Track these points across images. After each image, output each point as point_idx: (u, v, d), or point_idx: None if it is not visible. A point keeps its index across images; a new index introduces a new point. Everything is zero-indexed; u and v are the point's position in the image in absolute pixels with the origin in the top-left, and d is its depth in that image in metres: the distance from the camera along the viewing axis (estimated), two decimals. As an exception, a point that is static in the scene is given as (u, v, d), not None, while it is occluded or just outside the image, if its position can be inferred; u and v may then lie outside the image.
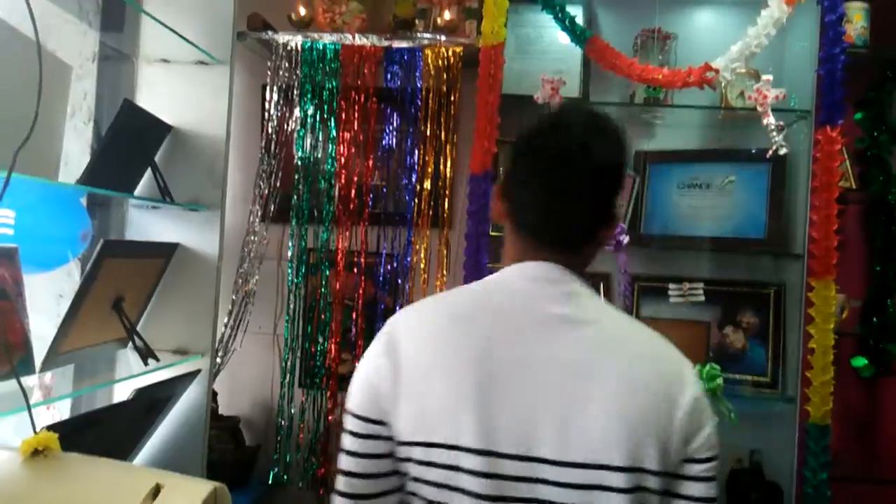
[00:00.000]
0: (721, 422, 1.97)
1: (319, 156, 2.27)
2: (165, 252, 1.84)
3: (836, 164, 1.98)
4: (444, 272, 2.27)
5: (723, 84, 2.11)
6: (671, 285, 2.22)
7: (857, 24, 2.12)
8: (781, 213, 2.18)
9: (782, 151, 1.99)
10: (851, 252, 2.25)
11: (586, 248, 0.99)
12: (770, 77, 2.03)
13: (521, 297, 0.94)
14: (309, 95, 2.25)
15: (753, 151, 2.20)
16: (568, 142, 0.94)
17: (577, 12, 2.24)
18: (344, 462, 0.93)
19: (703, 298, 2.20)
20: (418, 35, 2.19)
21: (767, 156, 2.00)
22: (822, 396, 1.92)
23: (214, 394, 2.14)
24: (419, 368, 0.91)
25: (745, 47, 2.00)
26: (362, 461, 0.92)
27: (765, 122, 2.01)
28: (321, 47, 2.23)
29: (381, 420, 0.91)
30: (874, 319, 2.23)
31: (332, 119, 2.26)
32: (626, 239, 2.13)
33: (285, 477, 2.23)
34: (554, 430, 0.87)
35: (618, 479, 0.86)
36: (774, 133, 2.00)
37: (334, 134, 2.27)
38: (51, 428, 1.24)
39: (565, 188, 0.94)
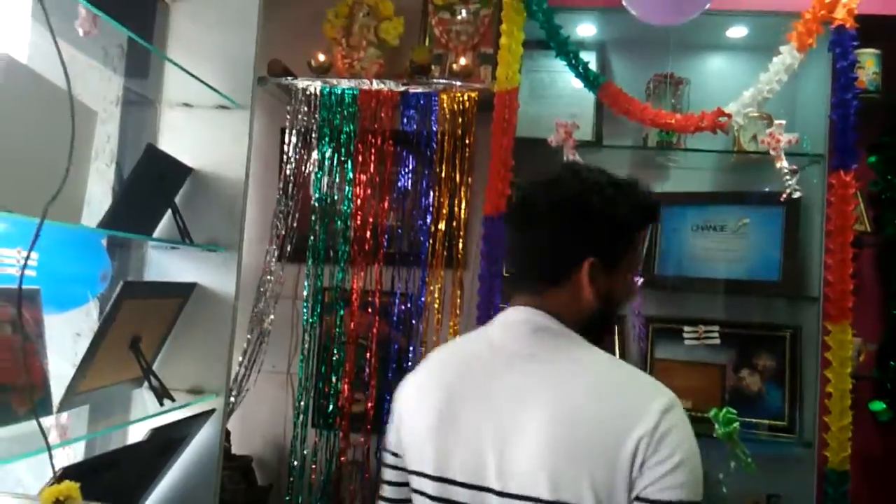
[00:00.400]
0: (738, 467, 1.97)
1: (336, 197, 2.30)
2: (183, 292, 1.87)
3: (850, 207, 1.98)
4: (458, 312, 2.27)
5: (735, 128, 2.13)
6: (686, 327, 2.21)
7: (869, 69, 2.15)
8: (796, 255, 2.18)
9: (796, 195, 2.00)
10: (867, 295, 2.24)
11: (556, 289, 1.03)
12: (783, 122, 2.05)
13: (492, 340, 1.05)
14: (327, 139, 2.29)
15: (767, 193, 2.21)
16: (534, 189, 1.07)
17: (590, 58, 2.28)
18: (381, 489, 1.12)
19: (718, 341, 2.19)
20: (434, 80, 2.24)
21: (781, 199, 2.01)
22: (840, 441, 1.89)
23: (227, 433, 2.14)
24: (409, 407, 1.06)
25: (757, 93, 2.02)
26: (389, 488, 1.10)
27: (778, 165, 2.02)
28: (339, 92, 2.28)
29: (397, 453, 1.08)
30: (891, 363, 2.21)
31: (349, 161, 2.30)
32: (639, 280, 2.13)
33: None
34: (495, 460, 0.95)
35: None
36: (788, 176, 2.01)
37: (351, 176, 2.30)
38: (67, 470, 1.25)
39: (527, 230, 1.06)
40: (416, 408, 1.05)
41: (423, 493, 1.01)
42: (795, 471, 2.09)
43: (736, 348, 2.24)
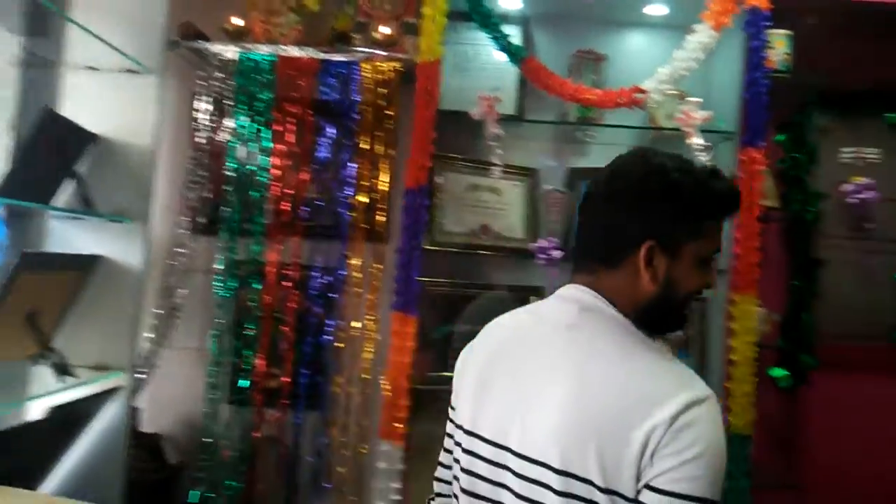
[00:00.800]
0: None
1: (252, 167, 2.23)
2: (85, 265, 1.78)
3: (758, 183, 2.06)
4: (378, 286, 2.25)
5: (652, 105, 2.17)
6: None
7: (780, 50, 2.21)
8: (707, 230, 2.25)
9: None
10: (773, 268, 2.34)
11: (612, 270, 1.04)
12: (697, 99, 2.10)
13: (541, 313, 1.10)
14: (243, 106, 2.21)
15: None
16: (602, 172, 1.08)
17: (513, 32, 2.28)
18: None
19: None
20: (356, 49, 2.19)
21: (693, 175, 2.06)
22: (743, 407, 1.98)
23: (136, 410, 2.07)
24: (460, 368, 1.16)
25: (673, 70, 2.06)
26: (446, 437, 1.19)
27: (690, 142, 2.08)
28: (256, 58, 2.20)
29: (454, 406, 1.16)
30: (793, 332, 2.32)
31: (266, 130, 2.23)
32: (557, 254, 2.16)
33: (210, 496, 2.17)
34: (520, 424, 1.00)
35: (555, 481, 0.93)
36: (700, 153, 2.07)
37: (268, 145, 2.23)
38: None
39: (586, 218, 1.08)
40: (464, 369, 1.14)
41: (459, 444, 1.10)
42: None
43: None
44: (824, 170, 2.36)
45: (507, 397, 1.03)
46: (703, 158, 2.06)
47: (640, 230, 1.02)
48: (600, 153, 2.41)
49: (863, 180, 2.30)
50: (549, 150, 2.43)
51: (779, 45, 2.20)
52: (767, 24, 2.09)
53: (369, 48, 2.20)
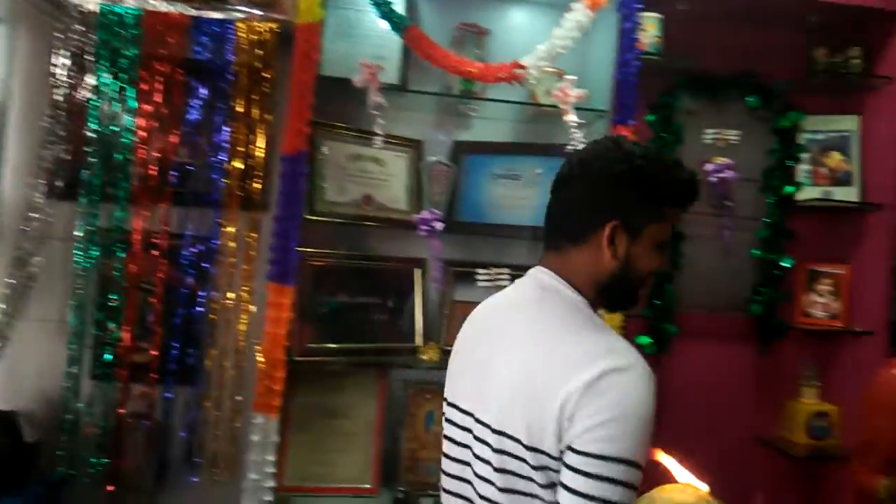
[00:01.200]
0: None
1: (116, 128, 2.09)
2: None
3: (627, 161, 2.14)
4: (254, 255, 2.19)
5: (532, 81, 2.21)
6: (479, 270, 2.31)
7: (650, 32, 2.31)
8: (581, 204, 2.33)
9: (580, 147, 2.13)
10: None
11: (578, 247, 1.13)
12: (573, 77, 2.16)
13: (508, 293, 1.24)
14: (105, 63, 2.06)
15: (558, 144, 2.32)
16: (573, 154, 1.20)
17: (397, 0, 2.25)
18: None
19: (509, 282, 2.31)
20: (230, 7, 2.09)
21: (567, 151, 2.13)
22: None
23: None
24: (454, 349, 1.28)
25: (551, 48, 2.11)
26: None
27: (566, 119, 2.14)
28: (119, 11, 2.06)
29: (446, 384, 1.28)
30: (657, 302, 2.47)
31: (132, 89, 2.09)
32: (439, 226, 2.18)
33: (71, 473, 2.06)
34: (479, 392, 1.13)
35: (493, 439, 1.07)
36: (575, 130, 2.14)
37: (133, 105, 2.10)
38: None
39: (558, 197, 1.19)
40: (455, 347, 1.27)
41: (443, 415, 1.23)
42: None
43: (527, 291, 2.37)
44: (689, 149, 2.49)
45: (476, 370, 1.15)
46: (577, 135, 2.14)
47: (605, 210, 1.11)
48: (483, 127, 2.45)
49: (724, 160, 2.45)
50: (433, 122, 2.43)
51: (650, 28, 2.30)
52: (640, 6, 2.17)
53: (246, 7, 2.10)
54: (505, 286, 2.34)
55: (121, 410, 2.09)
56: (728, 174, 2.45)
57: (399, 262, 2.38)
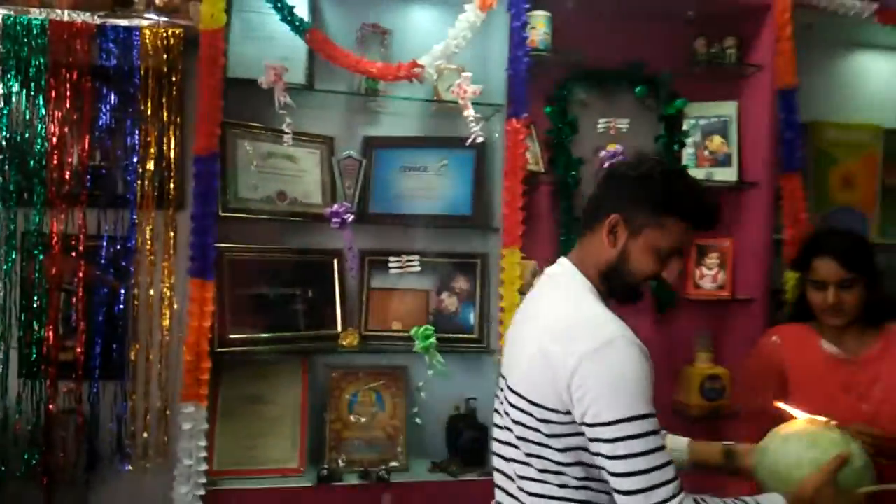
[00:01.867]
0: (436, 374, 2.26)
1: (28, 135, 2.15)
2: None
3: (521, 150, 2.32)
4: (172, 253, 2.29)
5: (434, 78, 2.35)
6: (391, 258, 2.45)
7: (540, 30, 2.48)
8: (483, 192, 2.50)
9: (479, 140, 2.29)
10: (543, 225, 2.64)
11: (589, 234, 1.36)
12: (468, 74, 2.31)
13: (542, 277, 1.44)
14: (13, 72, 2.12)
15: (460, 137, 2.47)
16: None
17: (300, 2, 2.36)
18: None
19: (419, 269, 2.47)
20: (136, 15, 2.17)
21: (467, 143, 2.29)
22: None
23: None
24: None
25: (446, 47, 2.26)
26: None
27: (465, 113, 2.29)
28: (25, 21, 2.11)
29: None
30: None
31: (41, 97, 2.15)
32: (350, 217, 2.31)
33: (2, 470, 2.13)
34: (510, 363, 1.38)
35: (511, 397, 1.31)
36: (473, 123, 2.29)
37: (43, 112, 2.16)
38: None
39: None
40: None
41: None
42: (485, 375, 2.46)
43: (438, 274, 2.53)
44: (584, 138, 2.68)
45: (511, 345, 1.40)
46: (476, 128, 2.29)
47: (611, 202, 1.31)
48: (391, 122, 2.58)
49: (616, 147, 2.64)
50: (342, 119, 2.55)
51: (540, 26, 2.47)
52: (528, 6, 2.34)
53: (151, 13, 2.19)
54: (418, 272, 2.52)
55: (50, 407, 2.17)
56: (620, 160, 2.64)
57: (316, 253, 2.50)
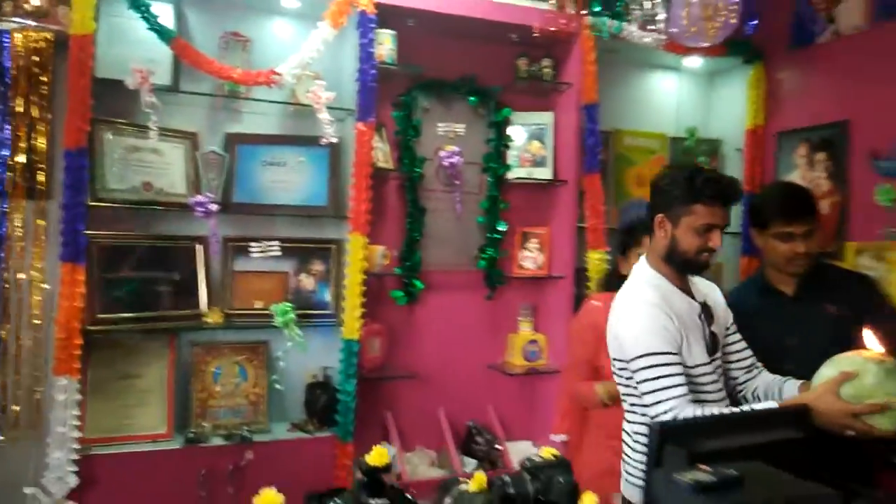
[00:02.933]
0: (294, 347, 2.58)
1: None
2: None
3: (367, 149, 2.69)
4: (43, 241, 2.46)
5: (292, 83, 2.66)
6: (252, 244, 2.75)
7: (387, 45, 2.84)
8: (337, 186, 2.85)
9: (332, 140, 2.64)
10: (392, 215, 3.04)
11: (651, 234, 1.88)
12: (323, 82, 2.65)
13: None
14: None
15: (316, 137, 2.80)
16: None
17: (166, 10, 2.58)
18: None
19: (279, 253, 2.78)
20: (5, 18, 2.31)
21: (322, 142, 2.63)
22: (352, 319, 2.64)
23: None
24: None
25: (302, 57, 2.58)
26: None
27: (319, 116, 2.63)
28: None
29: None
30: (407, 263, 3.06)
31: None
32: (214, 207, 2.57)
33: None
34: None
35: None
36: (327, 125, 2.63)
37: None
38: None
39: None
40: None
41: None
42: (339, 347, 2.81)
43: (297, 258, 2.86)
44: (427, 140, 3.09)
45: None
46: (330, 130, 2.63)
47: (655, 208, 1.82)
48: (252, 121, 2.85)
49: (453, 148, 3.07)
50: (206, 117, 2.79)
51: (386, 42, 2.84)
52: (373, 25, 2.70)
53: (21, 17, 2.33)
54: (278, 256, 2.82)
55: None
56: (457, 159, 3.07)
57: (182, 239, 2.74)
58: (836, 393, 1.56)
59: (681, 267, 1.84)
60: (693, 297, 1.88)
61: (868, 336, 1.62)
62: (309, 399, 2.82)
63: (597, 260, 3.03)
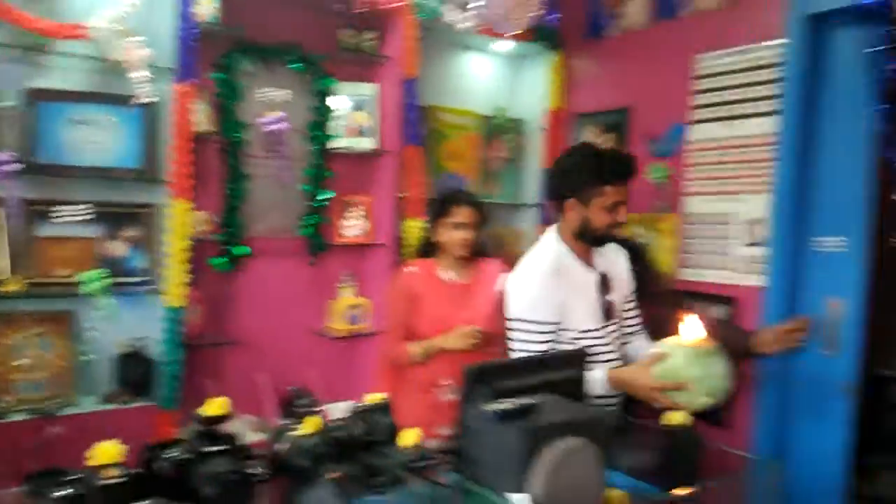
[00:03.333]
0: (105, 314, 2.48)
1: None
2: None
3: (187, 111, 2.63)
4: None
5: (104, 39, 2.52)
6: (59, 208, 2.59)
7: (210, 4, 2.77)
8: (154, 148, 2.75)
9: (147, 99, 2.55)
10: (212, 179, 2.99)
11: (561, 213, 2.10)
12: (137, 38, 2.54)
13: None
14: None
15: (131, 95, 2.67)
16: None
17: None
18: None
19: (89, 217, 2.64)
20: None
21: (134, 102, 2.53)
22: (177, 286, 2.61)
23: None
24: None
25: (114, 11, 2.46)
26: None
27: (132, 74, 2.52)
28: None
29: None
30: (229, 230, 3.04)
31: None
32: (13, 167, 2.39)
33: None
34: None
35: None
36: (142, 84, 2.53)
37: None
38: None
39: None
40: None
41: None
42: (155, 315, 2.74)
43: (108, 223, 2.73)
44: (250, 104, 3.07)
45: None
46: (146, 89, 2.54)
47: (564, 191, 2.03)
48: (59, 76, 2.65)
49: (277, 114, 3.08)
50: (3, 71, 2.55)
51: (208, 2, 2.77)
52: (198, -17, 2.63)
53: None
54: (83, 222, 2.68)
55: None
56: (281, 125, 3.09)
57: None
58: (648, 370, 1.85)
59: (592, 242, 2.08)
60: (594, 269, 2.10)
61: (687, 322, 1.88)
62: (122, 370, 2.73)
63: (414, 228, 3.21)
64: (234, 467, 1.26)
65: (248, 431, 2.99)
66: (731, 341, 2.02)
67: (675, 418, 1.73)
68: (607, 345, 2.12)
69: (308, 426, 1.45)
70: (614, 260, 2.20)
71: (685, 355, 1.80)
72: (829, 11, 2.49)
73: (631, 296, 2.27)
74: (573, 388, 1.72)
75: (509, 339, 2.05)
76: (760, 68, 2.71)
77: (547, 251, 2.08)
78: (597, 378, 1.96)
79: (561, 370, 1.76)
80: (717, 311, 2.77)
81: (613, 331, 2.16)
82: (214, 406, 1.37)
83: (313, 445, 1.41)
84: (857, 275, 2.50)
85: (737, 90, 2.79)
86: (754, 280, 2.69)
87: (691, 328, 1.86)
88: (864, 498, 2.95)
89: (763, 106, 2.69)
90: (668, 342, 1.88)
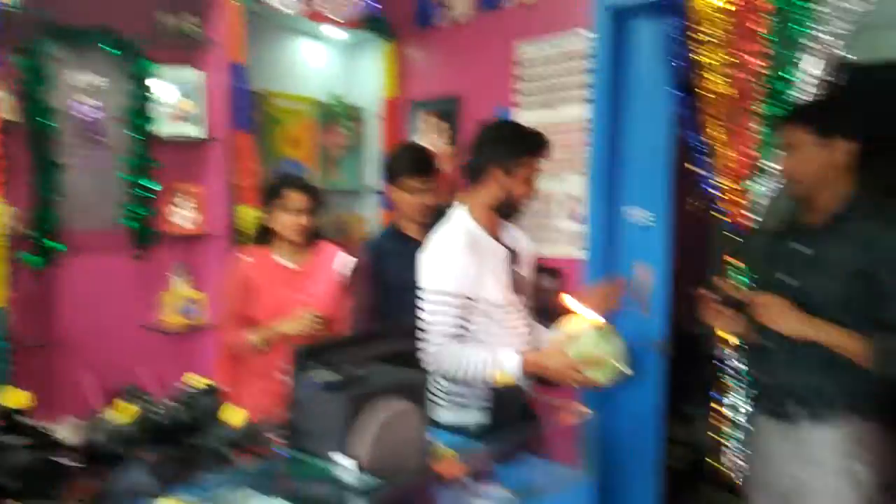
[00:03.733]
0: None
1: None
2: None
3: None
4: None
5: None
6: None
7: (7, -14, 2.55)
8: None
9: None
10: (20, 171, 2.76)
11: (478, 186, 2.11)
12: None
13: None
14: None
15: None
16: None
17: None
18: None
19: None
20: None
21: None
22: (-6, 285, 2.39)
23: None
24: None
25: None
26: None
27: None
28: None
29: None
30: (43, 225, 2.82)
31: None
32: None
33: None
34: None
35: None
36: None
37: None
38: None
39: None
40: None
41: None
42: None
43: None
44: (61, 91, 2.85)
45: None
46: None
47: (491, 161, 2.04)
48: None
49: (91, 101, 2.90)
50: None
51: (1, -19, 2.54)
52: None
53: None
54: None
55: None
56: (94, 112, 2.90)
57: None
58: (563, 351, 1.88)
59: (508, 212, 2.10)
60: (504, 244, 2.12)
61: (571, 304, 1.93)
62: None
63: (249, 216, 3.14)
64: (38, 458, 1.20)
65: (72, 434, 2.83)
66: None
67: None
68: (520, 316, 2.16)
69: (122, 413, 1.40)
70: (518, 237, 2.25)
71: (594, 335, 1.87)
72: (631, 5, 2.75)
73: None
74: (406, 362, 1.77)
75: (420, 309, 2.02)
76: (573, 58, 2.92)
77: (459, 226, 2.07)
78: (512, 363, 1.94)
79: (392, 343, 1.82)
80: (547, 282, 2.96)
81: (524, 304, 2.21)
82: (14, 397, 1.29)
83: (127, 430, 1.36)
84: (663, 242, 2.79)
85: (554, 78, 2.99)
86: (576, 253, 2.91)
87: (581, 310, 1.92)
88: (677, 441, 3.30)
89: (577, 92, 2.91)
90: (570, 325, 1.93)
